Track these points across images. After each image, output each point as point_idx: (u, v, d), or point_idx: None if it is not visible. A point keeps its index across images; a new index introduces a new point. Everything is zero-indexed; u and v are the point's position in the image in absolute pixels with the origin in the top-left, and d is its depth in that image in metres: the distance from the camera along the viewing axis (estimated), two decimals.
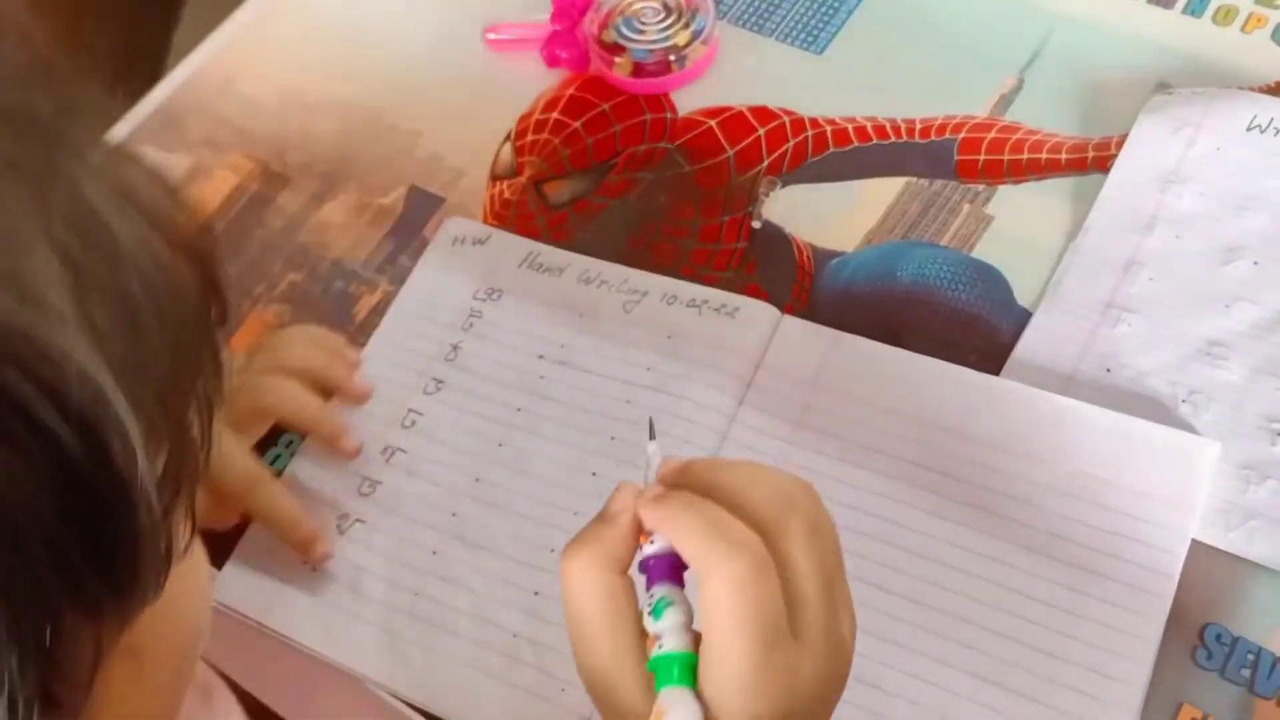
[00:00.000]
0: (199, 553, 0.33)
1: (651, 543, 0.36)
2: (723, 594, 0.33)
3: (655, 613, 0.35)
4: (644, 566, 0.37)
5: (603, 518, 0.37)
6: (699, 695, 0.34)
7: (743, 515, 0.35)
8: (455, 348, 0.62)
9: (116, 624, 0.27)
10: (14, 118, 0.26)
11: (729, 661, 0.33)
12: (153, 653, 0.29)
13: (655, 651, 0.35)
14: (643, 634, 0.36)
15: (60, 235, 0.25)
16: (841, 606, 0.37)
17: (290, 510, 0.56)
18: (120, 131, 0.75)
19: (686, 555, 0.35)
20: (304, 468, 0.59)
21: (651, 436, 0.39)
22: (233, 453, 0.55)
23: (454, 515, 0.57)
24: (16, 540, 0.23)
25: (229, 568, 0.57)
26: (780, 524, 0.35)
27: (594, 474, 0.56)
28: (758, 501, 0.35)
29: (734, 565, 0.33)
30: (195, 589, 0.33)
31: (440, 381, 0.61)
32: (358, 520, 0.57)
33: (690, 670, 0.34)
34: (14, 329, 0.23)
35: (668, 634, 0.35)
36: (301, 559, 0.56)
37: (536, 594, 0.54)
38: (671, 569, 0.36)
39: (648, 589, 0.36)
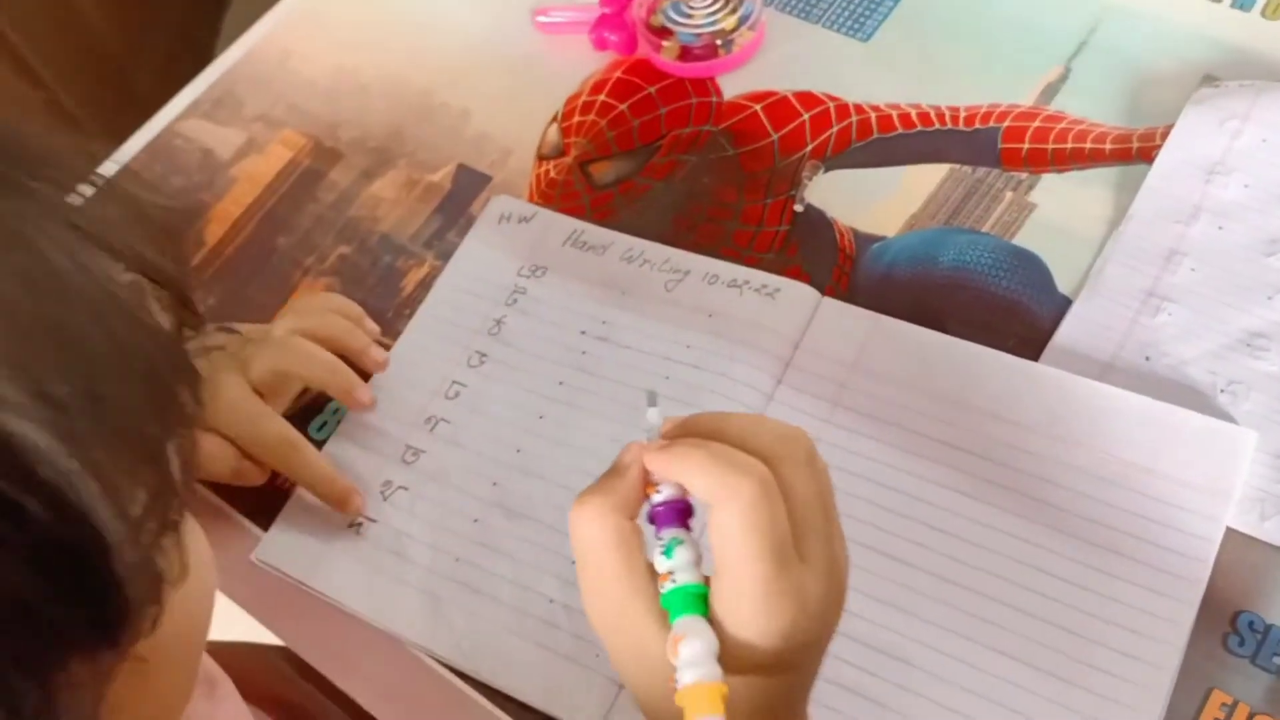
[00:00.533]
0: (198, 546, 0.32)
1: (659, 492, 0.38)
2: (734, 517, 0.34)
3: (666, 552, 0.37)
4: (652, 516, 0.38)
5: (612, 471, 0.38)
6: (712, 623, 0.35)
7: (746, 451, 0.36)
8: (499, 322, 0.63)
9: (115, 657, 0.27)
10: None
11: (742, 581, 0.35)
12: (158, 658, 0.29)
13: (668, 587, 0.36)
14: (654, 575, 0.37)
15: (17, 303, 0.25)
16: (837, 536, 0.38)
17: (322, 469, 0.57)
18: (175, 109, 0.77)
19: (695, 488, 0.37)
20: (350, 434, 0.61)
21: (652, 404, 0.40)
22: (262, 416, 0.57)
23: (495, 484, 0.58)
24: None
25: (274, 530, 0.58)
26: (780, 455, 0.36)
27: None
28: (759, 438, 0.37)
29: (742, 489, 0.34)
30: (196, 589, 0.32)
31: (484, 355, 0.62)
32: (401, 487, 0.59)
33: (703, 601, 0.36)
34: None
35: (680, 570, 0.36)
36: (340, 514, 0.57)
37: (574, 562, 0.54)
38: (679, 515, 0.38)
39: (657, 535, 0.38)
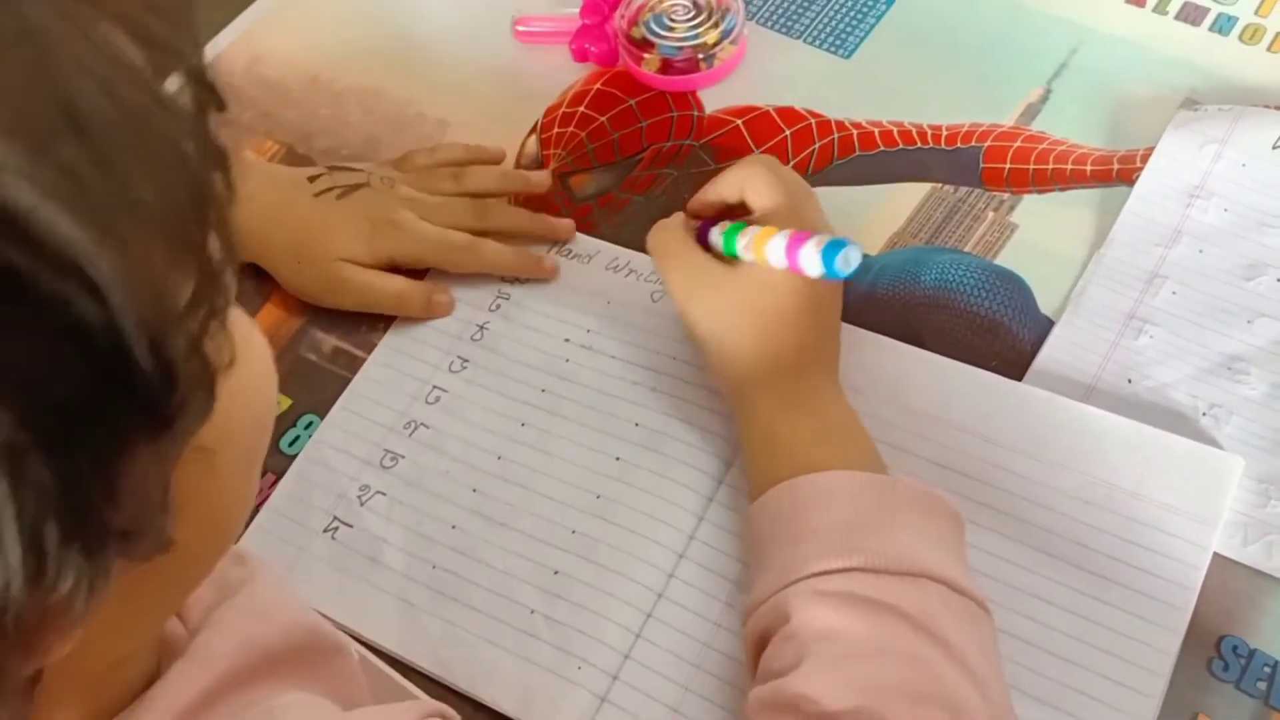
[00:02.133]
0: (249, 335, 0.32)
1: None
2: (762, 172, 0.55)
3: (725, 234, 0.54)
4: (700, 236, 0.56)
5: (660, 226, 0.58)
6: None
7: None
8: (481, 328, 0.62)
9: (175, 446, 0.27)
10: None
11: (771, 194, 0.54)
12: (222, 448, 0.30)
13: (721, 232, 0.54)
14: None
15: (7, 67, 0.23)
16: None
17: (506, 255, 0.63)
18: None
19: (726, 184, 0.56)
20: (326, 440, 0.59)
21: None
22: (442, 233, 0.62)
23: (475, 491, 0.57)
24: (48, 406, 0.23)
25: (248, 535, 0.57)
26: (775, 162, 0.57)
27: (617, 458, 0.56)
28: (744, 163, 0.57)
29: (762, 160, 0.56)
30: (251, 378, 0.32)
31: (465, 360, 0.61)
32: (379, 492, 0.57)
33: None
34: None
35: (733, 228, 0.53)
36: (316, 515, 0.57)
37: (556, 573, 0.54)
38: (717, 220, 0.55)
39: (709, 238, 0.55)
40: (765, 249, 0.51)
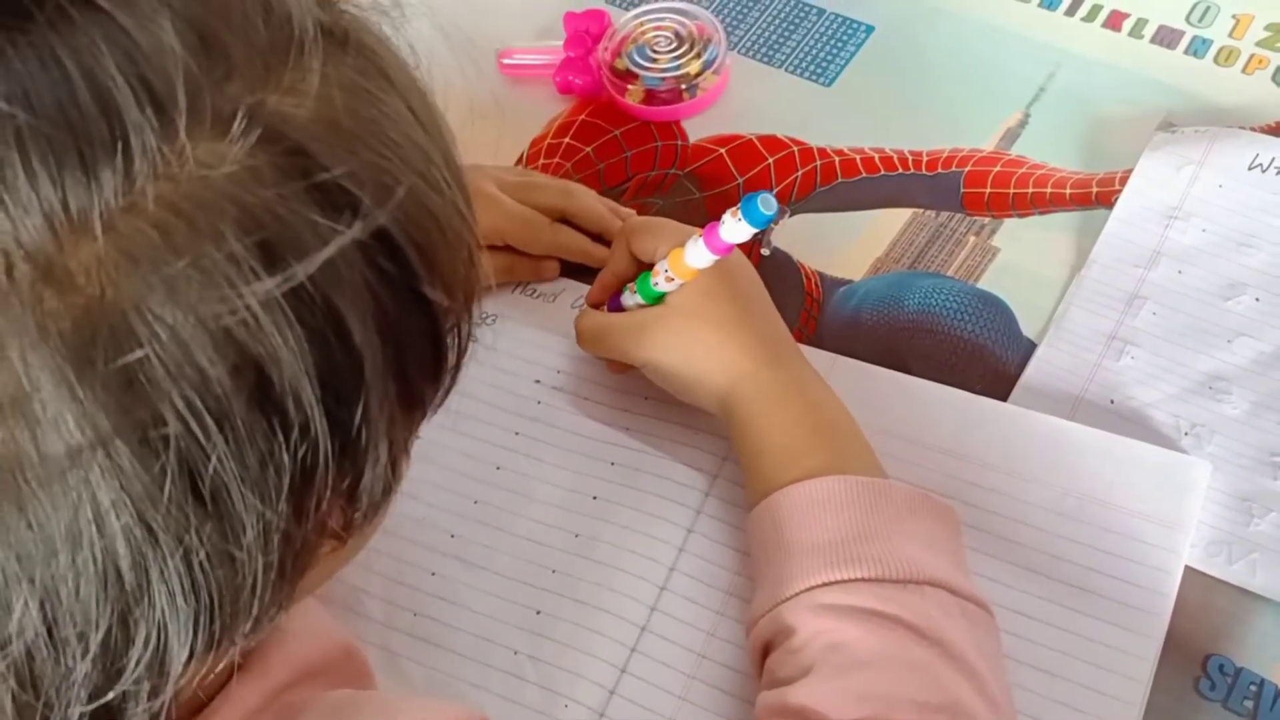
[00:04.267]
0: None
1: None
2: (631, 225, 0.59)
3: (638, 286, 0.56)
4: (614, 309, 0.59)
5: (578, 320, 0.59)
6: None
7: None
8: None
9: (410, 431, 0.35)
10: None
11: (647, 230, 0.57)
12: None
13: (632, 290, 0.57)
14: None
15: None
16: None
17: (584, 243, 0.64)
18: None
19: (612, 260, 0.59)
20: None
21: None
22: (505, 199, 0.63)
23: (453, 536, 0.57)
24: (407, 376, 0.32)
25: None
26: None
27: (595, 498, 0.57)
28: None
29: (625, 227, 0.60)
30: (410, 459, 0.39)
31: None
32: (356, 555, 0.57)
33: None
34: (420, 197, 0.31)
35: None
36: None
37: (538, 613, 0.54)
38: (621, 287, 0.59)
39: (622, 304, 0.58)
40: (684, 259, 0.53)
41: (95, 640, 0.28)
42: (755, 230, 0.49)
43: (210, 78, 0.28)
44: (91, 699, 0.29)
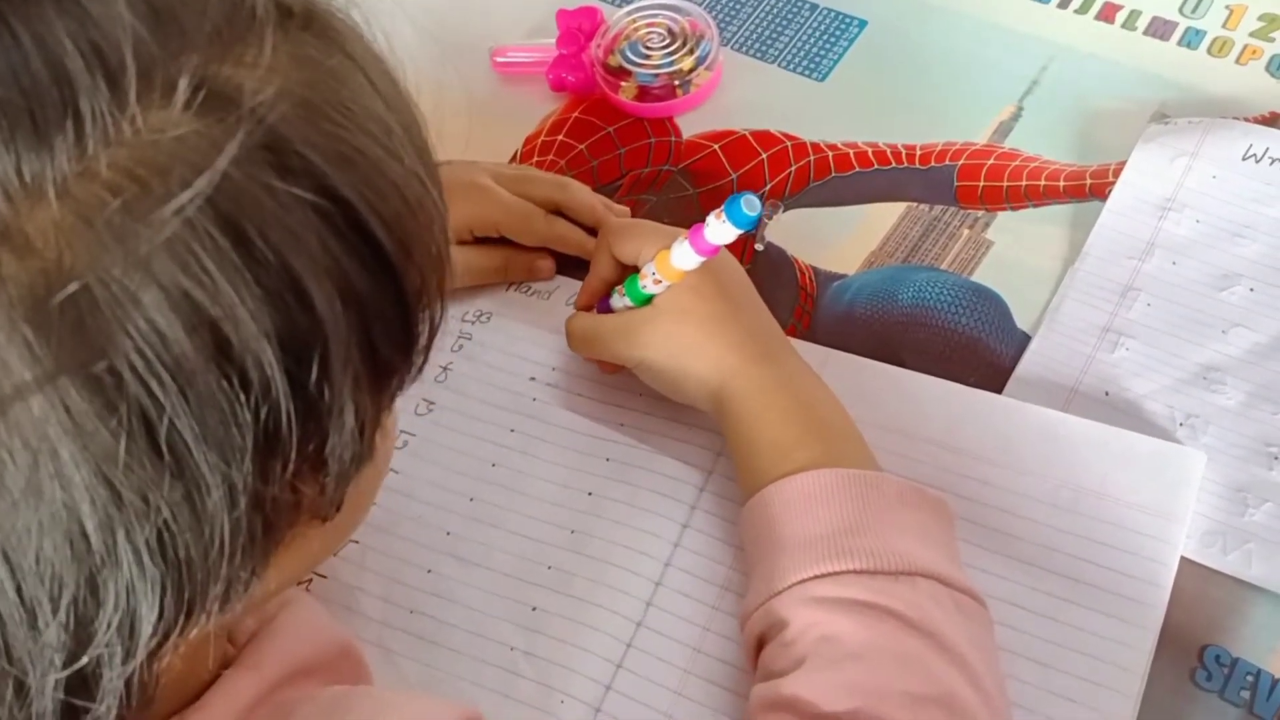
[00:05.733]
0: (396, 413, 0.38)
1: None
2: (611, 229, 0.59)
3: (626, 288, 0.56)
4: (603, 312, 0.58)
5: (568, 323, 0.59)
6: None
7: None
8: (445, 369, 0.62)
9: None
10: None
11: (628, 233, 0.58)
12: (345, 510, 0.35)
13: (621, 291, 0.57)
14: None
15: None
16: None
17: (579, 235, 0.64)
18: None
19: (596, 264, 0.59)
20: None
21: None
22: (499, 191, 0.63)
23: (448, 534, 0.57)
24: (376, 356, 0.32)
25: None
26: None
27: (590, 494, 0.57)
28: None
29: (605, 229, 0.60)
30: (390, 439, 0.39)
31: (431, 403, 0.61)
32: (351, 540, 0.57)
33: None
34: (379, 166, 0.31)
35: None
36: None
37: (534, 609, 0.54)
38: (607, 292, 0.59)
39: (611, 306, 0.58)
40: (671, 260, 0.53)
41: (64, 603, 0.28)
42: (740, 231, 0.49)
43: (162, 47, 0.28)
44: (65, 665, 0.29)
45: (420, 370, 0.35)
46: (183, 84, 0.28)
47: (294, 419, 0.29)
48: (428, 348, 0.35)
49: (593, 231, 0.64)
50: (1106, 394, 0.58)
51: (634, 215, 0.68)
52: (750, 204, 0.48)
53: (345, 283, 0.30)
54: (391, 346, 0.33)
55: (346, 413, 0.31)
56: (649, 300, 0.55)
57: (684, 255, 0.52)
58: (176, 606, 0.30)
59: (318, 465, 0.32)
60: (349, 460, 0.33)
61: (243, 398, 0.28)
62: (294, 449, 0.30)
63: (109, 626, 0.29)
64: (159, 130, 0.27)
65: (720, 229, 0.50)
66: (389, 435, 0.38)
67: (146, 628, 0.29)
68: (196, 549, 0.29)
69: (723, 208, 0.49)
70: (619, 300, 0.57)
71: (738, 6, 0.76)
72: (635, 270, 0.56)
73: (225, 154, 0.27)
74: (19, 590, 0.28)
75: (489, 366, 0.62)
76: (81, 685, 0.30)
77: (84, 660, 0.29)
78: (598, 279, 0.58)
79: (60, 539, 0.27)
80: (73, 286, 0.26)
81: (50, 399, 0.27)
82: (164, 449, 0.28)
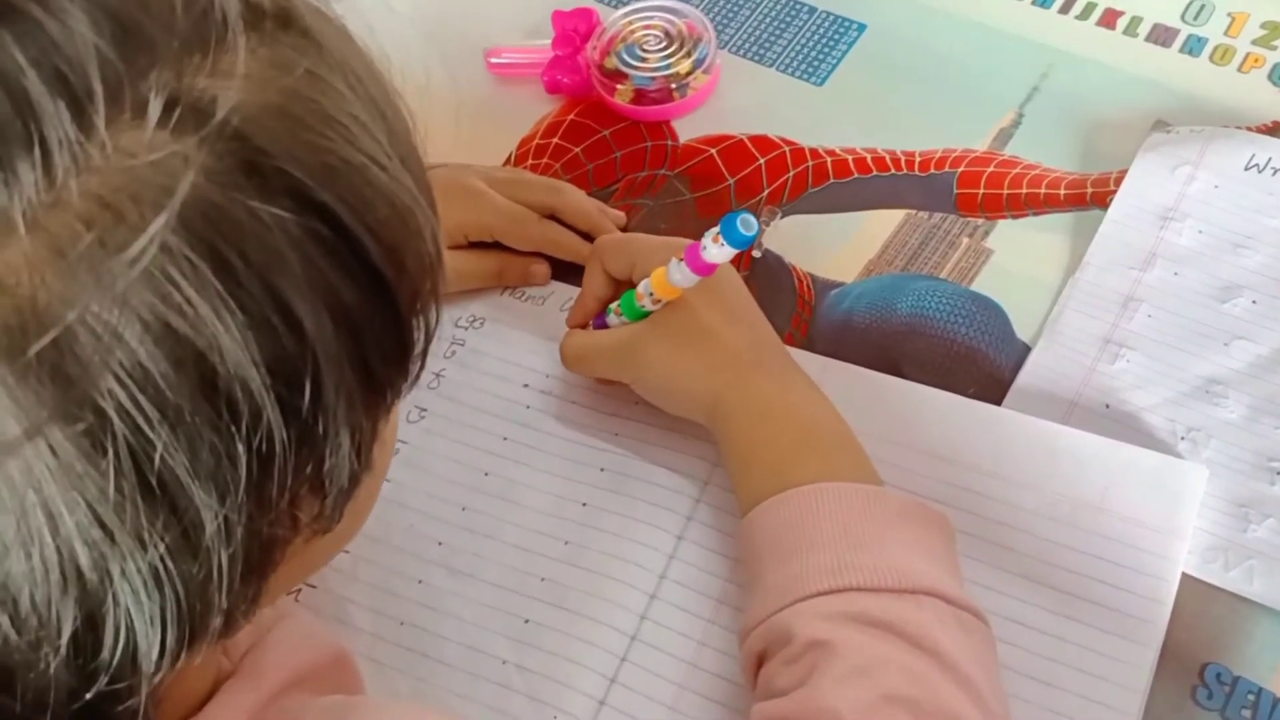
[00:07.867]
0: (395, 418, 0.37)
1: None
2: (601, 245, 0.58)
3: (622, 304, 0.55)
4: (596, 325, 0.58)
5: (564, 340, 0.58)
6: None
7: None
8: (438, 375, 0.61)
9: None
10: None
11: (617, 248, 0.58)
12: (345, 519, 0.34)
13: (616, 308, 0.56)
14: None
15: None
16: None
17: (572, 239, 0.63)
18: None
19: (588, 282, 0.58)
20: None
21: None
22: (492, 195, 0.62)
23: (440, 544, 0.56)
24: (371, 372, 0.31)
25: None
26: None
27: (584, 504, 0.56)
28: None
29: (596, 244, 0.59)
30: (389, 448, 0.38)
31: (424, 410, 0.60)
32: (342, 550, 0.56)
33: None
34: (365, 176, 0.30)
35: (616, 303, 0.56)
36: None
37: (527, 622, 0.53)
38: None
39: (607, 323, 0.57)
40: (667, 278, 0.52)
41: (65, 641, 0.27)
42: (736, 251, 0.49)
43: (129, 65, 0.27)
44: (70, 701, 0.29)
45: (417, 378, 0.35)
46: (154, 102, 0.27)
47: (289, 445, 0.29)
48: (424, 354, 0.34)
49: (588, 236, 0.63)
50: (1107, 406, 0.57)
51: (630, 219, 0.67)
52: (747, 224, 0.48)
53: (334, 299, 0.29)
54: (386, 360, 0.32)
55: (342, 434, 0.30)
56: (645, 316, 0.54)
57: (681, 274, 0.51)
58: (179, 637, 0.29)
59: (315, 487, 0.31)
60: (347, 479, 0.32)
61: (234, 429, 0.28)
62: (290, 475, 0.29)
63: (111, 663, 0.28)
64: (130, 154, 0.26)
65: (717, 251, 0.49)
66: (387, 445, 0.38)
67: (149, 663, 0.29)
68: (194, 584, 0.28)
69: (719, 229, 0.48)
70: (615, 319, 0.56)
71: (735, 9, 0.75)
72: (628, 285, 0.55)
73: (197, 174, 0.26)
74: (20, 629, 0.27)
75: (482, 373, 0.61)
76: (89, 717, 0.29)
77: (89, 695, 0.28)
78: (591, 296, 0.58)
79: (56, 580, 0.27)
80: (53, 333, 0.25)
81: (37, 447, 0.26)
82: (155, 486, 0.27)
